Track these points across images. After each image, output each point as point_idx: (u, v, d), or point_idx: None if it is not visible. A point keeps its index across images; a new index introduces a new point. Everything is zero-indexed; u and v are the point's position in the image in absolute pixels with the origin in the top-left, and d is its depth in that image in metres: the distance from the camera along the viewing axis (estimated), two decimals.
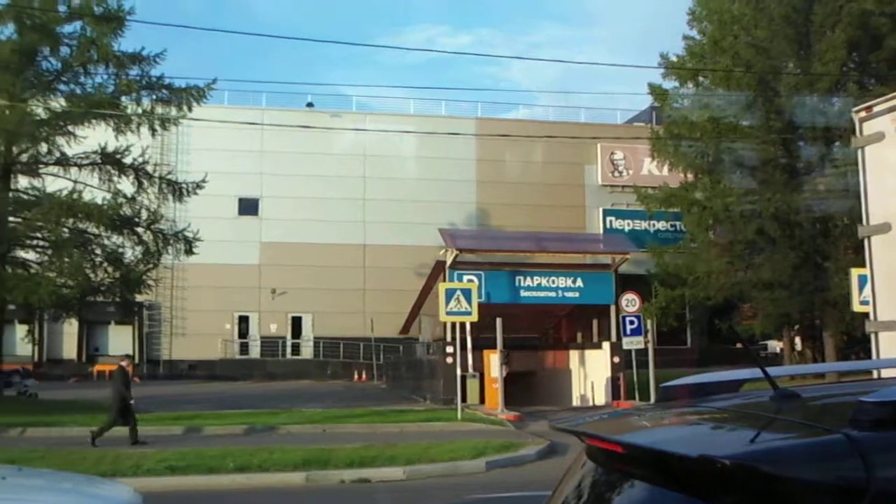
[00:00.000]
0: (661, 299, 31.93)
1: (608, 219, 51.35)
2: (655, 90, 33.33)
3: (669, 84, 33.28)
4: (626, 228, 48.78)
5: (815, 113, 28.83)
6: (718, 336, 39.96)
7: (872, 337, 9.49)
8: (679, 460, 1.88)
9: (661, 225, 47.00)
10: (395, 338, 42.66)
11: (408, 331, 39.98)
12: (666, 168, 34.01)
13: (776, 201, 28.68)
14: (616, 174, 52.33)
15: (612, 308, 28.37)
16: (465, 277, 26.61)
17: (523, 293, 28.45)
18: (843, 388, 2.84)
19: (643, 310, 28.16)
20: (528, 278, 28.66)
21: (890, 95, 9.32)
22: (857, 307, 15.42)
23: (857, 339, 30.55)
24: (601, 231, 50.01)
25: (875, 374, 6.72)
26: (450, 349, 25.63)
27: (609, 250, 31.61)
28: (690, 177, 33.25)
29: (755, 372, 2.51)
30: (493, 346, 25.11)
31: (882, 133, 9.20)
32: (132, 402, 18.13)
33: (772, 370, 2.46)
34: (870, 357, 11.32)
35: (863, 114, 9.61)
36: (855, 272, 15.57)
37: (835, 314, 28.15)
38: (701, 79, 32.71)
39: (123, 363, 19.12)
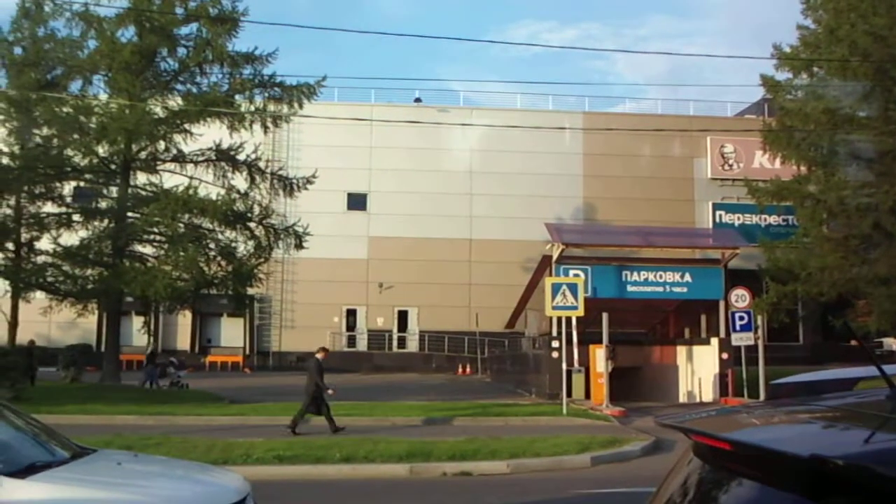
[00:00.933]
0: (772, 295, 31.18)
1: (718, 213, 50.42)
2: (768, 81, 32.47)
3: (782, 75, 32.43)
4: (737, 223, 47.88)
5: None
6: (832, 333, 38.76)
7: None
8: (789, 459, 1.85)
9: (772, 219, 45.92)
10: (499, 332, 42.70)
11: (513, 325, 39.97)
12: (778, 161, 33.18)
13: (894, 194, 27.70)
14: (726, 167, 51.25)
15: (721, 304, 27.85)
16: (572, 272, 26.48)
17: (630, 288, 28.14)
18: None
19: (753, 305, 27.58)
20: (635, 273, 28.33)
21: None
22: None
23: None
24: (710, 225, 49.18)
25: None
26: (556, 344, 25.57)
27: (719, 245, 30.99)
28: (804, 169, 32.36)
29: (870, 370, 2.45)
30: (599, 341, 25.00)
31: None
32: (330, 391, 18.46)
33: (888, 368, 2.39)
34: None
35: None
36: None
37: None
38: (815, 69, 31.73)
39: (319, 355, 19.39)
